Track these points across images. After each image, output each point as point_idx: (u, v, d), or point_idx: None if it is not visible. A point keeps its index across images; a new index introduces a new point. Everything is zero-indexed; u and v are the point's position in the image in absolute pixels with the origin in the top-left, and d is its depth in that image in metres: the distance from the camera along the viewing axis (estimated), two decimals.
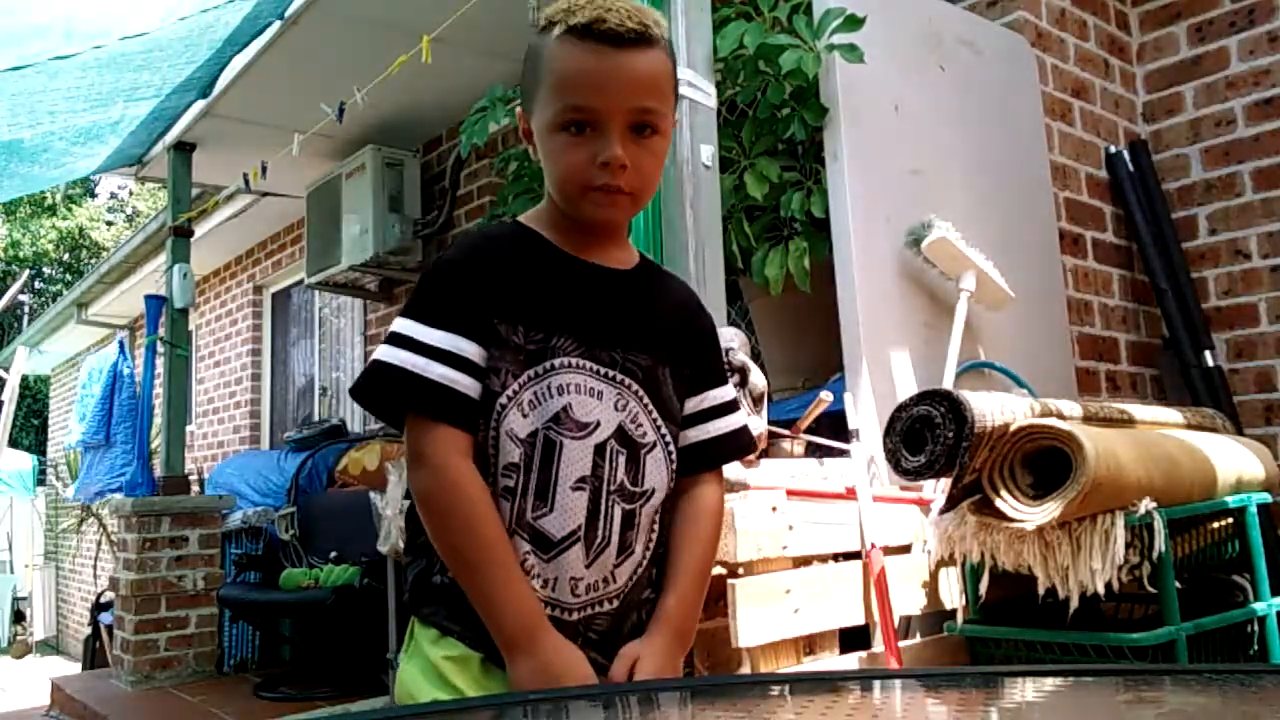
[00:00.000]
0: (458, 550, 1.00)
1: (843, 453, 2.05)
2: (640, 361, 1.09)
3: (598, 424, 1.05)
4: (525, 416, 1.03)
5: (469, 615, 1.00)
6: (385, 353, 1.03)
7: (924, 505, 2.03)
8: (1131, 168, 2.93)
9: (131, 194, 18.25)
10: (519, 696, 0.84)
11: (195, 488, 4.99)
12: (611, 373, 1.07)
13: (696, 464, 1.15)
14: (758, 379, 1.89)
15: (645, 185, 1.07)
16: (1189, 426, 2.22)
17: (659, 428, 1.10)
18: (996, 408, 1.80)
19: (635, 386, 1.08)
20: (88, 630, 6.43)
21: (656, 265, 1.23)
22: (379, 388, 1.03)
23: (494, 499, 1.02)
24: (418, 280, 1.09)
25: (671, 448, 1.11)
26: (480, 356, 1.03)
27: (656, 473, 1.09)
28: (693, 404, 1.15)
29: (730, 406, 1.19)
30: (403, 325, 1.03)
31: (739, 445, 1.20)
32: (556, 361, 1.04)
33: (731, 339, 1.87)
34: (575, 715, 0.63)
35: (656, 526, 1.10)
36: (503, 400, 1.03)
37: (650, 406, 1.09)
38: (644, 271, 1.16)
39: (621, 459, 1.06)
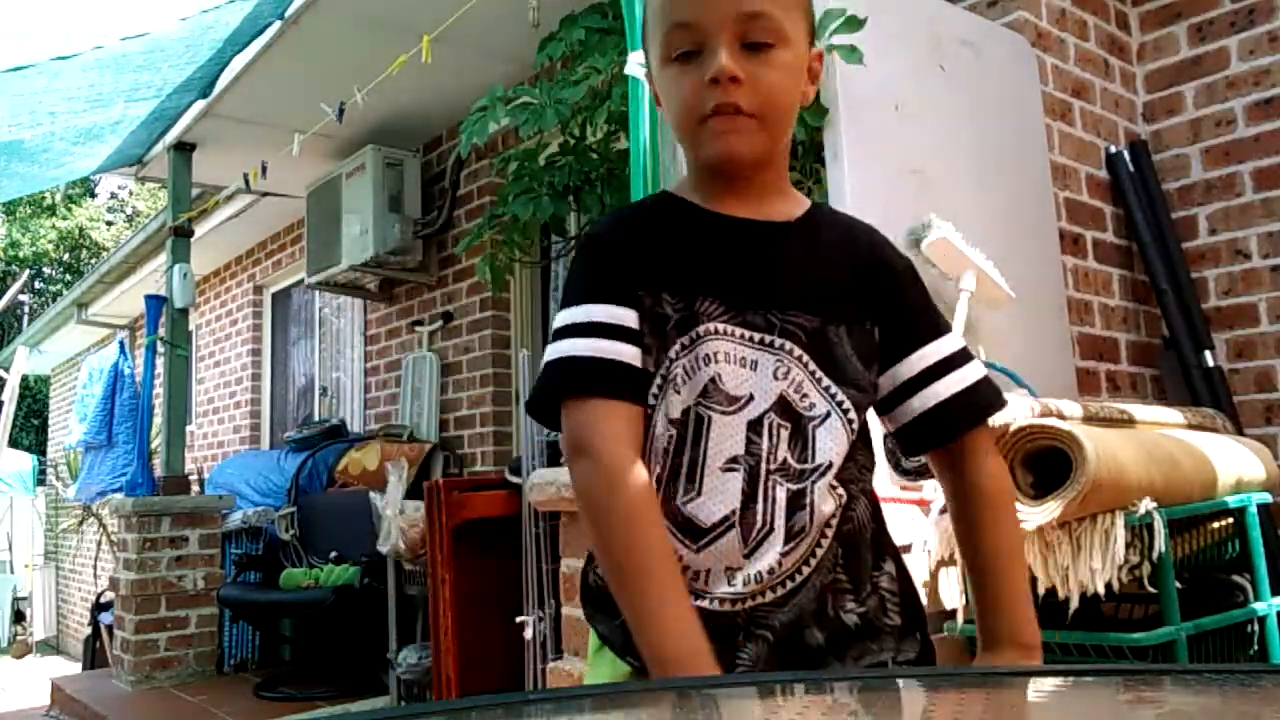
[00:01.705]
0: (612, 557, 0.89)
1: None
2: (803, 323, 0.95)
3: (750, 397, 0.93)
4: (679, 394, 0.93)
5: (620, 625, 0.92)
6: (548, 351, 0.95)
7: (924, 505, 2.03)
8: (1131, 168, 2.93)
9: (131, 194, 18.25)
10: (522, 696, 0.84)
11: (195, 488, 4.99)
12: (768, 338, 0.94)
13: (927, 440, 1.00)
14: None
15: (770, 104, 0.93)
16: (1189, 426, 2.22)
17: (832, 395, 0.95)
18: None
19: (798, 351, 0.94)
20: (88, 630, 6.43)
21: (833, 213, 1.08)
22: (542, 388, 0.94)
23: None
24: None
25: (852, 414, 0.96)
26: (638, 322, 0.94)
27: (831, 445, 0.94)
28: (904, 369, 0.99)
29: (955, 360, 1.00)
30: (559, 317, 0.96)
31: (976, 405, 1.00)
32: (702, 328, 0.93)
33: None
34: (580, 715, 0.63)
35: (840, 504, 0.95)
36: (658, 381, 0.94)
37: (819, 373, 0.94)
38: (810, 220, 1.01)
39: (784, 434, 0.93)
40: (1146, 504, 1.73)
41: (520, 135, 3.27)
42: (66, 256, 17.53)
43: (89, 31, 3.06)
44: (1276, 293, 2.79)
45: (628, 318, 0.93)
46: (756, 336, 0.94)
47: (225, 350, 7.19)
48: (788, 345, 0.94)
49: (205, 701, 3.93)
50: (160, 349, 4.72)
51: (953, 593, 2.04)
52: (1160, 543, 1.72)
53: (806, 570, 0.93)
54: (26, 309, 16.39)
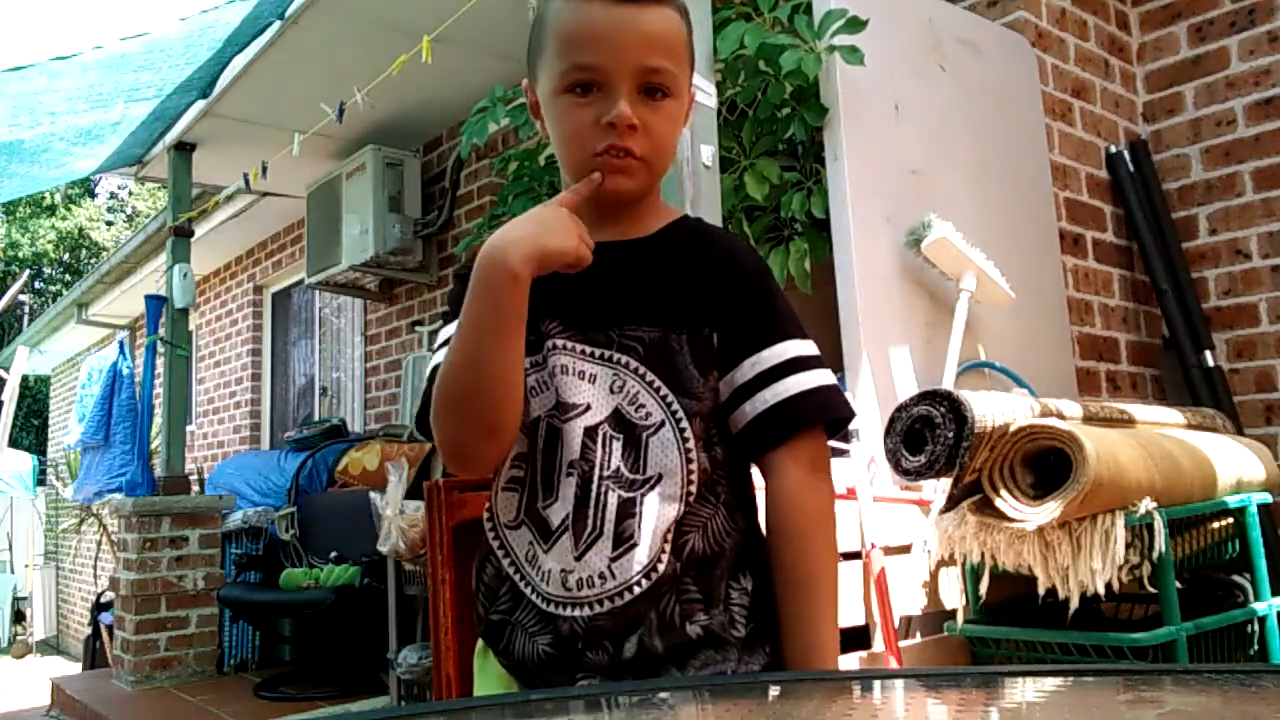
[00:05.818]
0: (451, 393, 0.95)
1: (843, 453, 2.05)
2: (642, 335, 0.99)
3: (587, 406, 0.98)
4: (528, 404, 0.99)
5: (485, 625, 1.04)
6: (431, 359, 1.04)
7: (924, 505, 2.03)
8: (1131, 168, 2.93)
9: (131, 194, 18.25)
10: (519, 697, 0.84)
11: (195, 488, 4.99)
12: (606, 353, 0.99)
13: (754, 448, 1.00)
14: None
15: (659, 150, 1.00)
16: (1189, 426, 2.22)
17: (668, 405, 0.98)
18: (996, 408, 1.80)
19: (634, 364, 0.98)
20: (88, 630, 6.43)
21: (694, 225, 1.09)
22: (425, 394, 1.02)
23: (498, 492, 1.03)
24: None
25: (684, 425, 0.98)
26: None
27: (663, 455, 0.97)
28: (739, 374, 1.00)
29: (792, 366, 0.99)
30: (441, 334, 1.06)
31: (801, 411, 0.99)
32: (548, 345, 1.00)
33: None
34: (576, 714, 0.64)
35: (678, 516, 0.97)
36: None
37: (657, 383, 0.98)
38: (666, 236, 1.05)
39: (617, 445, 0.97)
40: (1146, 504, 1.73)
41: (520, 135, 3.27)
42: (66, 256, 17.53)
43: (89, 31, 3.06)
44: (1276, 293, 2.79)
45: None
46: (596, 352, 0.99)
47: (225, 350, 7.19)
48: (624, 359, 0.99)
49: (205, 701, 3.93)
50: (160, 349, 4.71)
51: (953, 592, 2.04)
52: (1160, 543, 1.72)
53: (646, 584, 0.95)
54: (26, 309, 16.39)
